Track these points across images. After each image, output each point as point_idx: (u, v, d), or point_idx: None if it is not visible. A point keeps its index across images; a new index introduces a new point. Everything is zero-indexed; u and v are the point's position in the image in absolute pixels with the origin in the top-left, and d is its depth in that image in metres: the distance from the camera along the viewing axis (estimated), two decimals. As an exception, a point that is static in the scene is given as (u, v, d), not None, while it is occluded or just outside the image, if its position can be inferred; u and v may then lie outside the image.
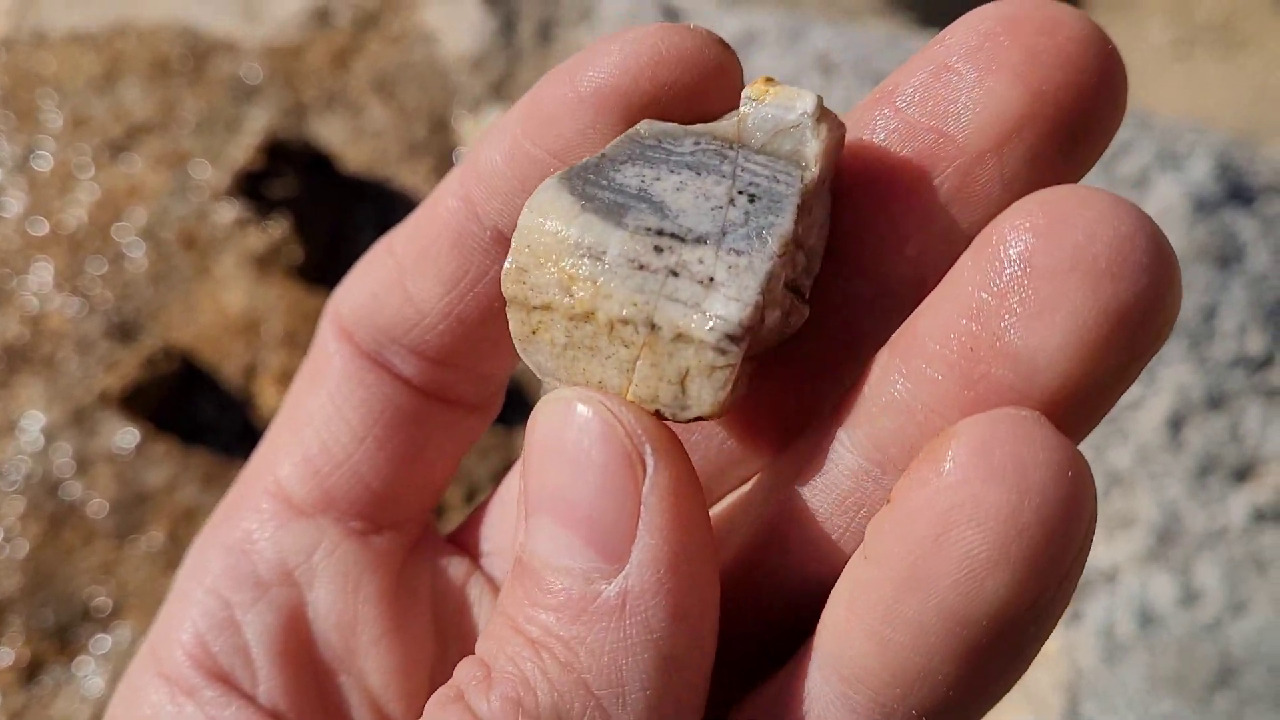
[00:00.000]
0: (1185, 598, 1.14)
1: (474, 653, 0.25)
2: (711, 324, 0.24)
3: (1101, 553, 1.17)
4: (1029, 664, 0.24)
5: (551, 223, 0.25)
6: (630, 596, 0.22)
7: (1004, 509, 0.20)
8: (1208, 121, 1.85)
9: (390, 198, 1.22)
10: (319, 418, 0.31)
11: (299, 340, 1.14)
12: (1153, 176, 1.28)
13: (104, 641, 1.03)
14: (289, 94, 1.26)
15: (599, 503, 0.23)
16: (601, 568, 0.22)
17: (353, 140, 1.25)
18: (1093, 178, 1.29)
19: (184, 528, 1.07)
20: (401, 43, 1.29)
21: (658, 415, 0.24)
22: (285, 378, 1.13)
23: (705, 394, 0.24)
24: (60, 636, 1.02)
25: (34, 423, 1.08)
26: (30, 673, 1.01)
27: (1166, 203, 1.26)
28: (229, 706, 0.29)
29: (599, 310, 0.24)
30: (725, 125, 0.26)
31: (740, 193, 0.25)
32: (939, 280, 0.23)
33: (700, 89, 0.26)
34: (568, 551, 0.23)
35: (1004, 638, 0.21)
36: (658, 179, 0.25)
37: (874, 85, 0.30)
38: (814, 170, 0.25)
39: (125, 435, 1.08)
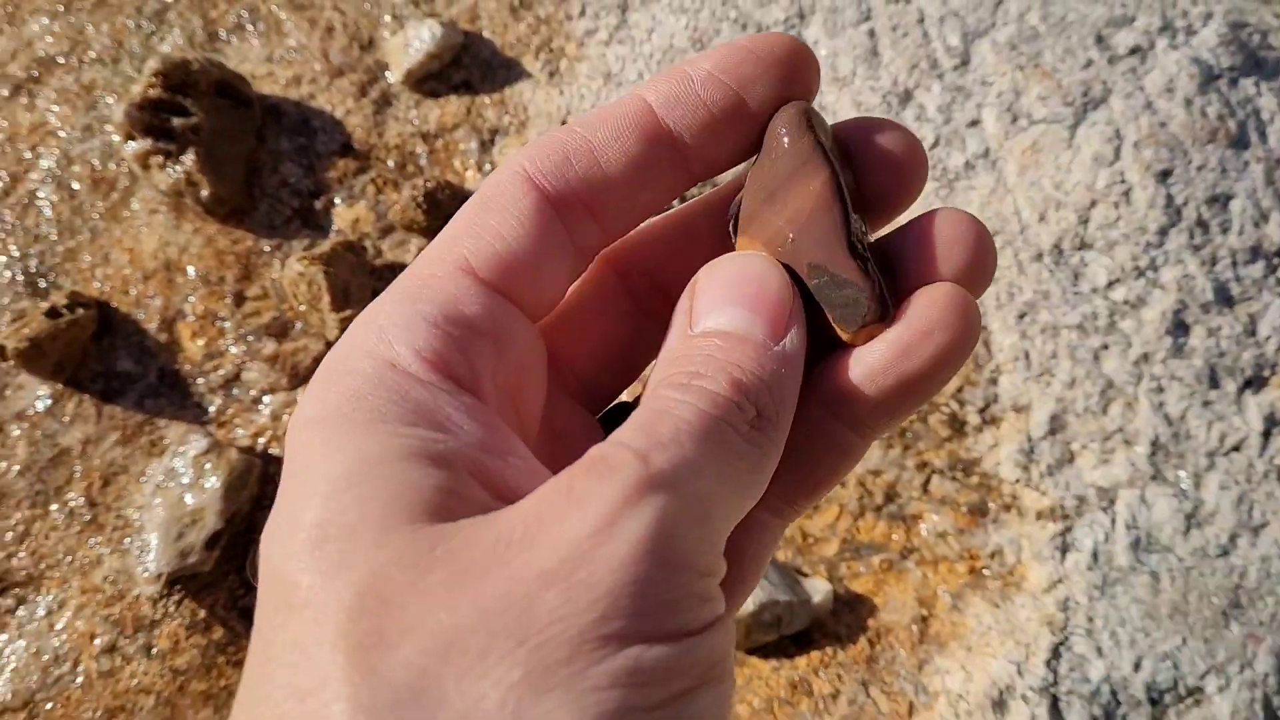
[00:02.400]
0: (1191, 520, 1.03)
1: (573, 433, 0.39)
2: None
3: (1097, 474, 1.05)
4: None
5: None
6: (787, 352, 0.34)
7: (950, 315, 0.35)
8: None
9: (311, 122, 1.13)
10: (506, 227, 0.36)
11: (217, 281, 1.06)
12: (1154, 45, 1.14)
13: (21, 612, 0.98)
14: (199, 16, 1.17)
15: (777, 305, 0.35)
16: (772, 335, 0.34)
17: (267, 62, 1.15)
18: (1086, 51, 1.16)
19: (103, 488, 1.01)
20: (319, -49, 1.19)
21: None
22: (205, 323, 1.05)
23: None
24: (-25, 609, 0.98)
25: (-64, 383, 1.02)
26: (-56, 650, 0.96)
27: (1169, 77, 1.12)
28: (467, 396, 0.34)
29: None
30: None
31: None
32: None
33: (811, 67, 0.37)
34: (751, 323, 0.34)
35: (916, 389, 0.35)
36: None
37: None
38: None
39: (38, 395, 1.02)
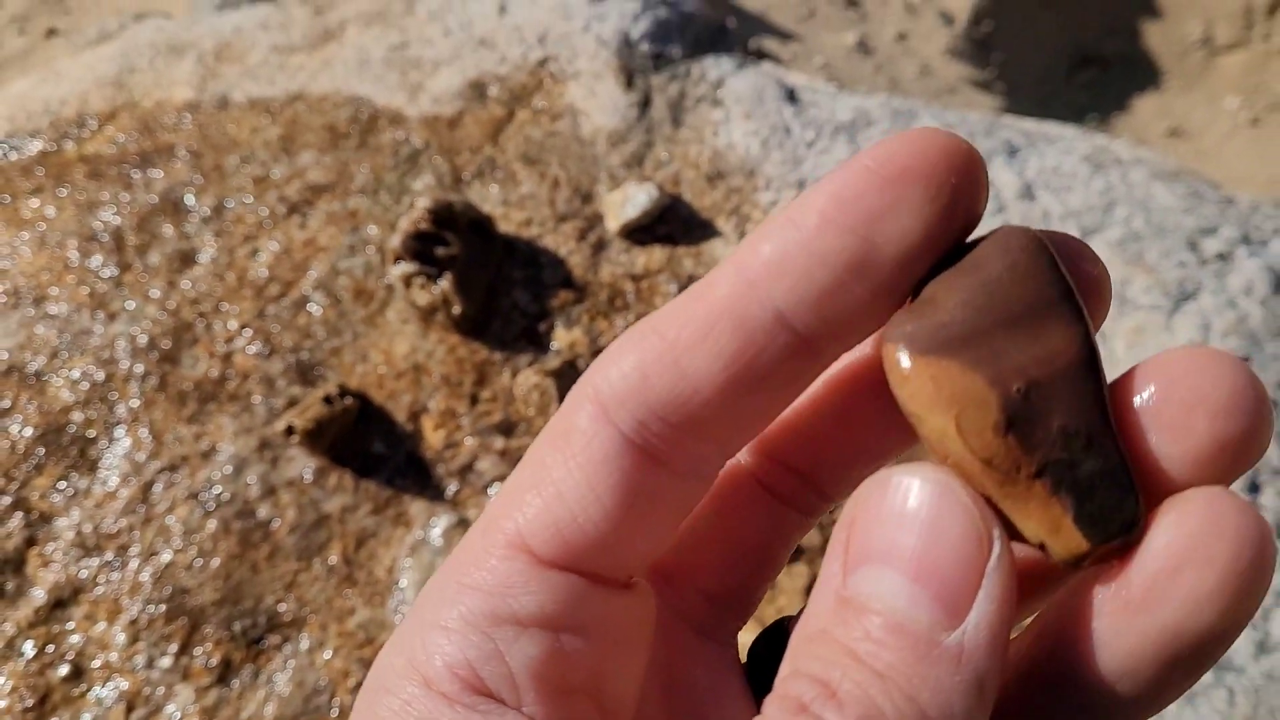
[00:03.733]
0: (1260, 646, 1.24)
1: (699, 678, 0.30)
2: None
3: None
4: (1198, 679, 0.29)
5: None
6: (967, 648, 0.26)
7: (1229, 554, 0.26)
8: (1278, 193, 1.94)
9: (539, 258, 1.35)
10: (571, 489, 0.32)
11: (457, 384, 1.27)
12: (1236, 254, 1.39)
13: (287, 648, 1.15)
14: (447, 162, 1.40)
15: (951, 568, 0.27)
16: (944, 621, 0.26)
17: (504, 205, 1.38)
18: (1180, 254, 1.40)
19: (357, 549, 1.20)
20: (549, 117, 1.43)
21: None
22: (445, 418, 1.25)
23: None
24: (248, 642, 1.15)
25: (225, 452, 1.22)
26: (222, 674, 1.13)
27: (1249, 279, 1.36)
28: (505, 715, 0.31)
29: None
30: None
31: None
32: None
33: (976, 181, 0.30)
34: (913, 602, 0.26)
35: (1202, 653, 0.27)
36: None
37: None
38: None
39: (307, 466, 1.22)
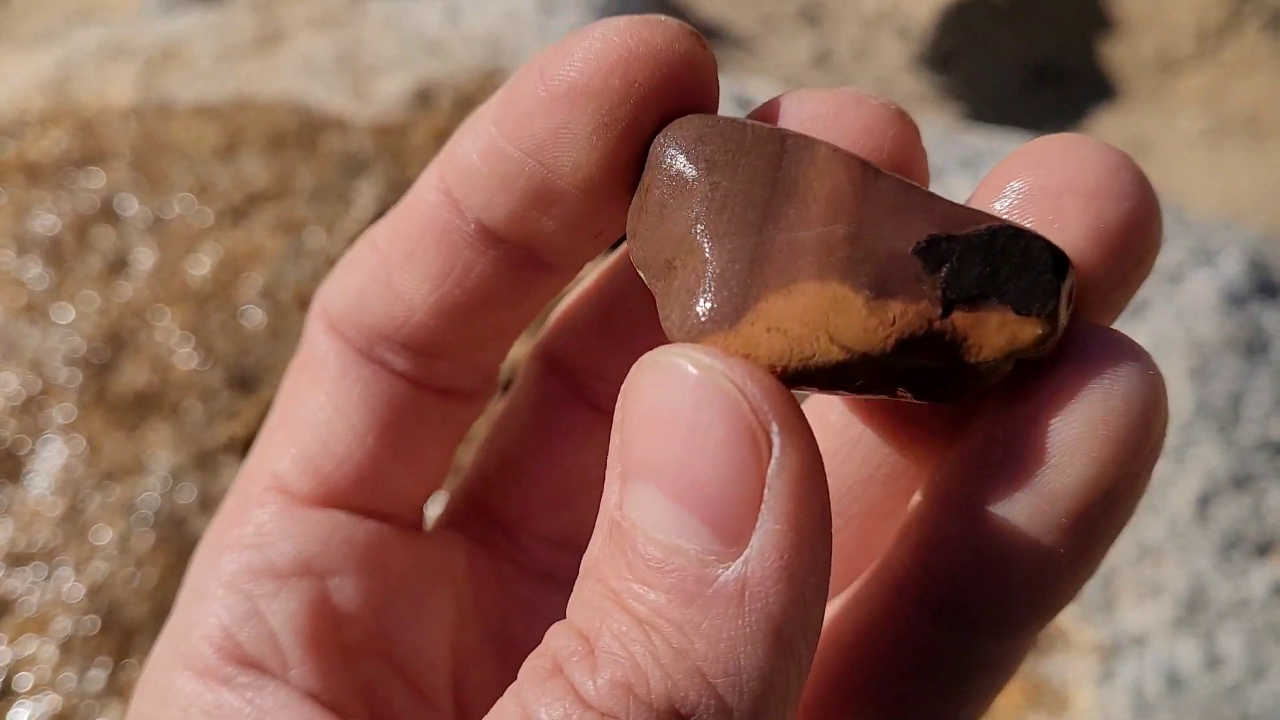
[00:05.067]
0: (1209, 662, 1.24)
1: (550, 621, 0.24)
2: None
3: (1133, 618, 1.27)
4: (1099, 560, 0.25)
5: None
6: (750, 582, 0.21)
7: (1096, 394, 0.23)
8: (1235, 209, 1.95)
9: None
10: (317, 416, 0.30)
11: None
12: (1187, 271, 1.39)
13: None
14: (395, 168, 1.38)
15: (718, 482, 0.21)
16: (718, 550, 0.21)
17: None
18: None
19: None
20: (498, 125, 1.41)
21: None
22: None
23: None
24: (182, 660, 1.13)
25: (162, 463, 1.19)
26: (155, 692, 1.11)
27: (1199, 295, 1.37)
28: (265, 688, 0.28)
29: None
30: None
31: None
32: None
33: (672, 85, 0.25)
34: (680, 529, 0.21)
35: (1083, 519, 0.23)
36: None
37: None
38: None
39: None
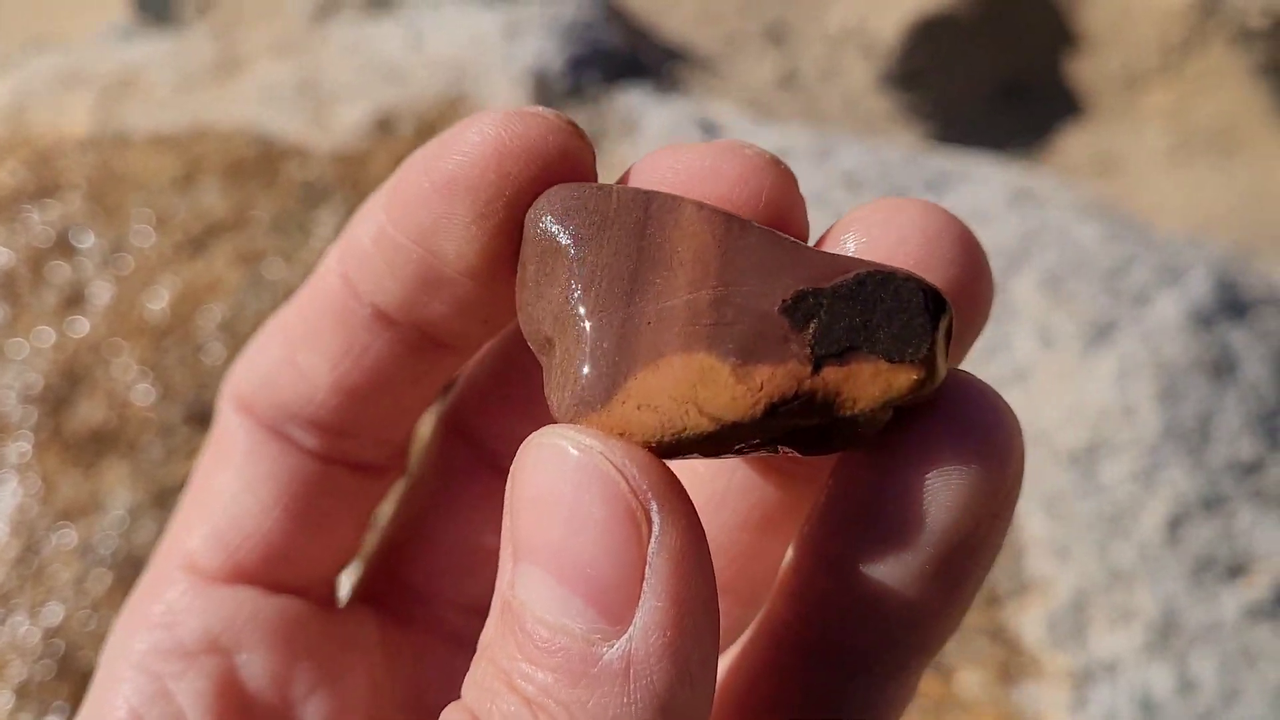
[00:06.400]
0: (1182, 687, 1.23)
1: (459, 697, 0.24)
2: None
3: (1106, 643, 1.26)
4: (966, 602, 0.25)
5: None
6: (634, 660, 0.21)
7: (950, 443, 0.23)
8: (1203, 225, 1.95)
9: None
10: (226, 493, 0.30)
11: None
12: (1151, 293, 1.39)
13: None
14: (356, 198, 1.36)
15: (599, 562, 0.21)
16: (603, 629, 0.21)
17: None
18: (1098, 291, 1.39)
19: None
20: (461, 152, 1.40)
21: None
22: (351, 464, 1.22)
23: None
24: (141, 703, 1.10)
25: (120, 501, 1.17)
26: (113, 737, 1.08)
27: (1166, 316, 1.36)
28: None
29: None
30: None
31: None
32: None
33: (545, 178, 0.25)
34: (564, 609, 0.21)
35: (946, 564, 0.24)
36: None
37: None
38: None
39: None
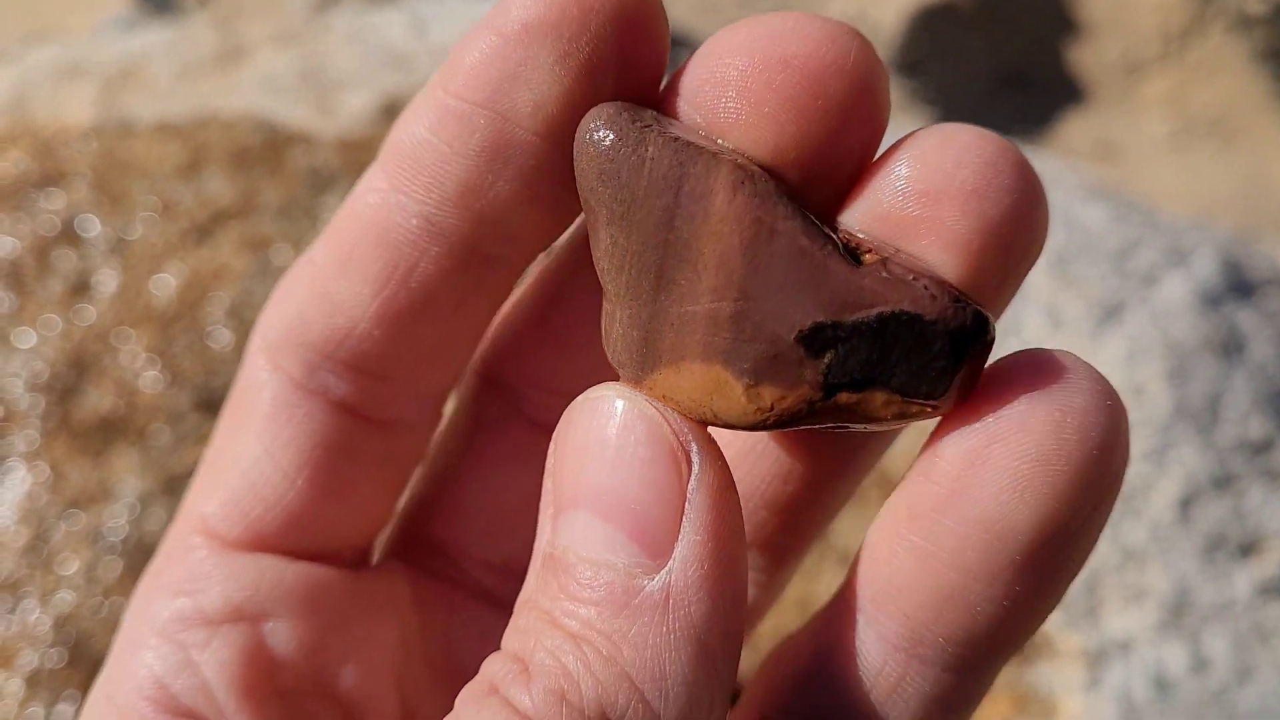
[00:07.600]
0: (1196, 665, 1.23)
1: (499, 648, 0.24)
2: None
3: (1119, 623, 1.26)
4: (1058, 596, 0.24)
5: None
6: (674, 591, 0.21)
7: (1048, 424, 0.22)
8: (1204, 211, 1.96)
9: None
10: (245, 458, 0.29)
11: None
12: (1159, 274, 1.39)
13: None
14: (362, 184, 1.36)
15: (643, 498, 0.22)
16: (644, 563, 0.22)
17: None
18: (1106, 272, 1.39)
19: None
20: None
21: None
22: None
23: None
24: (153, 690, 1.10)
25: (129, 489, 1.17)
26: (125, 724, 1.08)
27: (1174, 297, 1.37)
28: None
29: None
30: None
31: None
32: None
33: (624, 15, 0.24)
34: (609, 546, 0.22)
35: (1038, 556, 0.23)
36: None
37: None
38: None
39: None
